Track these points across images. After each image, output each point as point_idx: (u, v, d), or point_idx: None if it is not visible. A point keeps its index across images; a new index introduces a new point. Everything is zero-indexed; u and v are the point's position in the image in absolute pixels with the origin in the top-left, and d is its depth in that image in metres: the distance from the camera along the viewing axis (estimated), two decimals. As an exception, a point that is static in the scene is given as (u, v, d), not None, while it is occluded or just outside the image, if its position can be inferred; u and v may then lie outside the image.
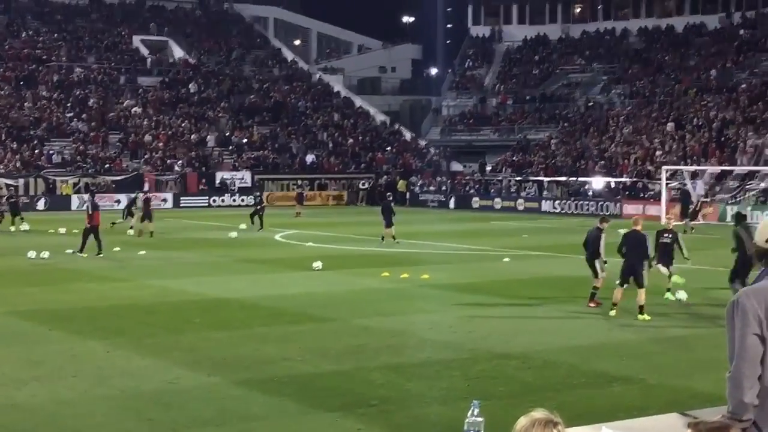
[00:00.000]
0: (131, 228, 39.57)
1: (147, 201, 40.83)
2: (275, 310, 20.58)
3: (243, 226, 42.55)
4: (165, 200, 62.93)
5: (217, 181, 66.28)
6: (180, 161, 67.03)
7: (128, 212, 41.28)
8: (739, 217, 22.28)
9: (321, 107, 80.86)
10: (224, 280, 25.77)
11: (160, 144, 68.63)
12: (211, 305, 21.28)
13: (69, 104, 71.30)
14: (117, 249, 32.97)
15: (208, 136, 71.49)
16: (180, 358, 15.55)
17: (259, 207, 44.05)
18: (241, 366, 14.94)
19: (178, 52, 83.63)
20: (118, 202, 43.35)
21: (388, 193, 48.56)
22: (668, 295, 21.57)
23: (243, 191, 65.37)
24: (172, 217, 51.95)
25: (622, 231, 21.12)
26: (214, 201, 64.08)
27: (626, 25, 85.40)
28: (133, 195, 43.80)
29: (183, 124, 72.26)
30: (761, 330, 5.15)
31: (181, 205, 62.60)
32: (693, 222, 40.88)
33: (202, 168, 67.35)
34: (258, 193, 52.77)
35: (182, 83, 78.53)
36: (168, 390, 13.43)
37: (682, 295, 21.08)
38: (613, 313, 19.36)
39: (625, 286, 19.40)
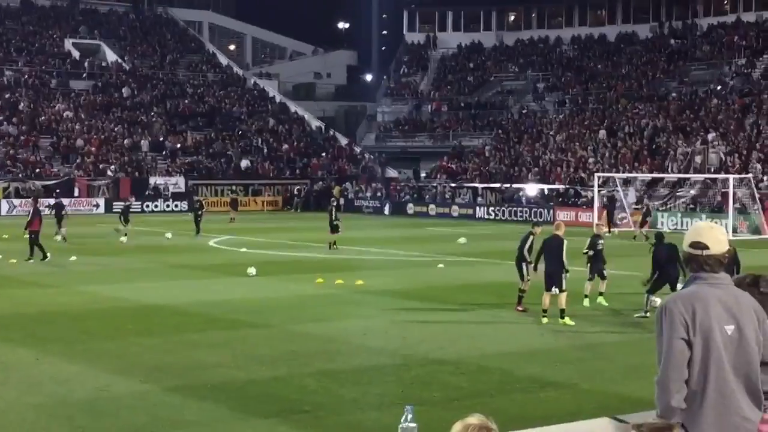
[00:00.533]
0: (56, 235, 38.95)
1: (58, 206, 40.25)
2: (209, 316, 20.45)
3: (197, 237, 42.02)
4: (97, 205, 62.28)
5: (150, 187, 65.68)
6: (113, 166, 66.35)
7: (125, 218, 40.61)
8: (659, 237, 22.35)
9: (256, 112, 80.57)
10: (157, 286, 25.53)
11: (93, 149, 67.87)
12: (143, 311, 21.09)
13: (-1, 108, 70.28)
14: (48, 255, 32.52)
15: (142, 141, 70.83)
16: (112, 364, 15.39)
17: (199, 212, 43.62)
18: (174, 372, 14.82)
19: (111, 56, 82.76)
20: (49, 207, 42.52)
21: (333, 199, 48.48)
22: (600, 299, 21.82)
23: (176, 197, 64.87)
24: (104, 222, 51.35)
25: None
26: (147, 206, 63.46)
27: (559, 33, 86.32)
28: (126, 203, 43.44)
29: (116, 129, 71.55)
30: (688, 335, 5.23)
31: (114, 210, 61.84)
32: (643, 228, 41.45)
33: (135, 173, 66.71)
34: (198, 198, 52.01)
35: (115, 87, 77.75)
36: (99, 397, 13.27)
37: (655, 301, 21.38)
38: (545, 320, 19.52)
39: (554, 290, 19.55)
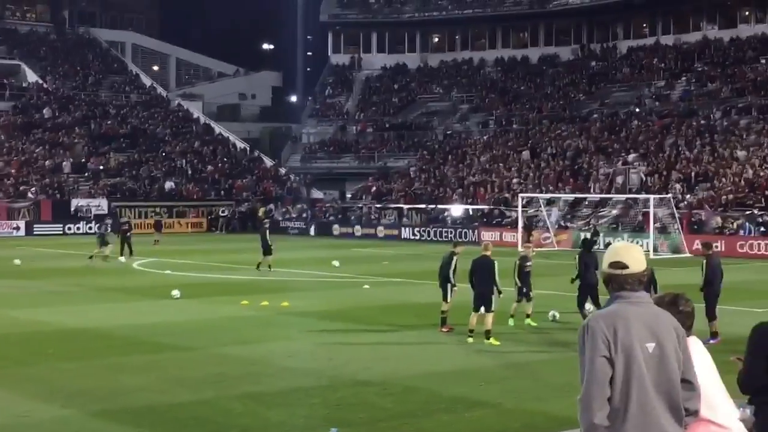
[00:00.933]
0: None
1: None
2: (132, 339, 20.20)
3: (122, 259, 41.48)
4: (18, 228, 61.27)
5: (72, 209, 64.77)
6: (33, 188, 65.34)
7: (102, 242, 40.87)
8: (586, 243, 22.88)
9: (180, 134, 80.00)
10: (79, 309, 25.17)
11: (13, 170, 66.79)
12: (65, 335, 20.76)
13: None
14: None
15: (64, 163, 69.88)
16: (32, 390, 15.11)
17: (128, 234, 43.16)
18: (96, 397, 14.60)
19: (31, 76, 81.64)
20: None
21: (265, 221, 48.31)
22: (528, 321, 21.94)
23: (99, 219, 64.02)
24: (24, 245, 50.56)
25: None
26: (69, 228, 62.57)
27: (483, 55, 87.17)
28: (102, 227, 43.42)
29: (37, 150, 70.51)
30: (610, 353, 5.29)
31: (35, 232, 60.98)
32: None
33: (57, 195, 65.75)
34: (124, 218, 50.96)
35: (36, 108, 76.68)
36: (19, 424, 13.02)
37: (554, 314, 21.97)
38: (470, 339, 19.60)
39: (481, 311, 19.65)
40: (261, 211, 66.26)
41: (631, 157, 59.52)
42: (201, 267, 38.34)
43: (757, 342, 6.14)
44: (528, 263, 22.27)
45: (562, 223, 52.79)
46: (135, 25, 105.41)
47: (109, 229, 42.42)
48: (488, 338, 19.47)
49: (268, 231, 37.30)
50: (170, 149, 76.57)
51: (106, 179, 69.70)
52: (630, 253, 5.55)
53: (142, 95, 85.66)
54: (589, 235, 26.40)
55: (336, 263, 38.48)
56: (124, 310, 25.14)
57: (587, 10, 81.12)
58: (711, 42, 74.05)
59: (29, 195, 64.65)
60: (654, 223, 46.03)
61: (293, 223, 66.52)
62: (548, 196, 55.13)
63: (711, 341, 17.85)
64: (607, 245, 34.78)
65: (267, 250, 36.29)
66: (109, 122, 77.89)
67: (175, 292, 27.42)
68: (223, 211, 69.28)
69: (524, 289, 22.02)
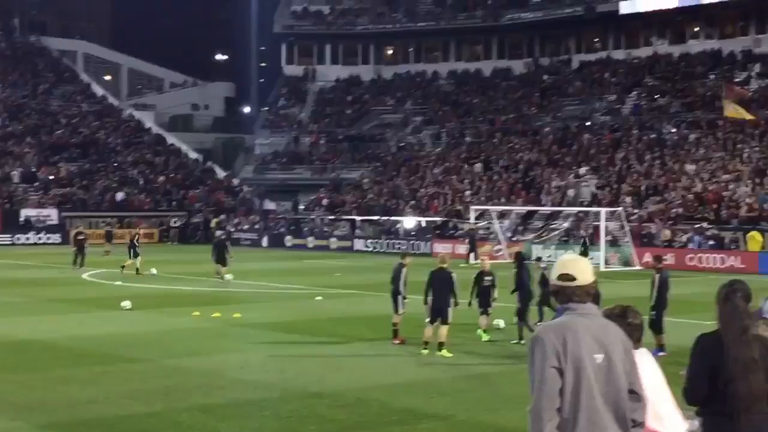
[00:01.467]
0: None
1: None
2: (81, 351, 20.00)
3: (75, 268, 41.15)
4: (-35, 238, 60.56)
5: (22, 219, 64.08)
6: (-18, 198, 64.65)
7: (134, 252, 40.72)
8: (519, 257, 23.08)
9: (132, 144, 79.47)
10: (27, 320, 24.89)
11: (-39, 180, 66.05)
12: (12, 347, 20.51)
13: None
14: None
15: (13, 172, 69.12)
16: (-21, 402, 14.91)
17: (84, 244, 42.79)
18: (45, 409, 14.43)
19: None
20: None
21: (220, 231, 48.16)
22: (479, 332, 21.93)
23: (49, 229, 63.41)
24: (-28, 255, 49.95)
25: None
26: (18, 239, 61.88)
27: (436, 67, 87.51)
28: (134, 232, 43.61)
29: (-15, 160, 69.76)
30: (560, 364, 5.34)
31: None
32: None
33: (6, 205, 65.02)
34: (80, 228, 50.28)
35: (-15, 117, 75.86)
36: (-34, 436, 12.85)
37: (499, 323, 22.00)
38: (425, 351, 19.62)
39: (435, 323, 19.68)
40: (213, 222, 66.01)
41: (582, 170, 59.99)
42: (152, 278, 38.08)
43: (699, 353, 6.23)
44: (487, 278, 22.05)
45: (513, 236, 53.03)
46: (87, 34, 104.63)
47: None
48: (440, 350, 19.50)
49: (228, 242, 37.40)
50: (122, 159, 76.04)
51: (56, 189, 69.04)
52: (578, 265, 5.62)
53: (93, 105, 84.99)
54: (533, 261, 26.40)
55: (229, 276, 37.06)
56: (73, 321, 24.90)
57: (539, 24, 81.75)
58: (661, 57, 74.89)
59: (-22, 205, 63.93)
60: (605, 236, 46.39)
61: (246, 235, 66.25)
62: (500, 208, 55.38)
63: (659, 353, 18.01)
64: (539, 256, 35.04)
65: (222, 261, 36.22)
66: (60, 132, 77.21)
67: (126, 303, 27.22)
68: (175, 222, 68.87)
69: (483, 304, 21.86)
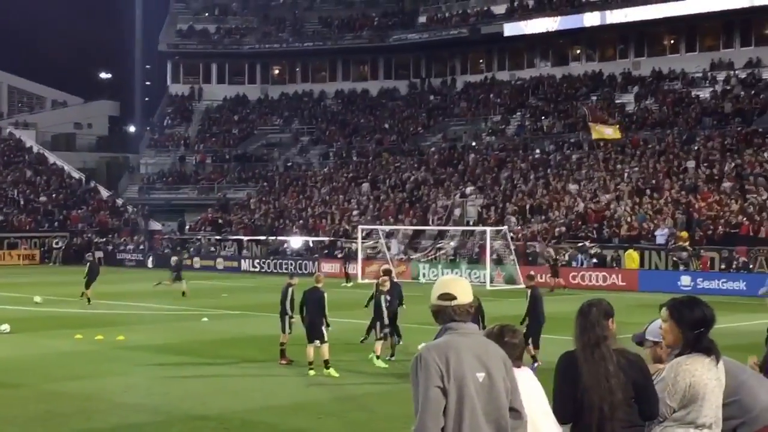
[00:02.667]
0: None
1: None
2: (-43, 376, 19.41)
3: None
4: None
5: None
6: None
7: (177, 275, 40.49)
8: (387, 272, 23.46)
9: (12, 163, 77.66)
10: None
11: None
12: None
13: None
14: None
15: None
16: None
17: None
18: None
19: None
20: None
21: (89, 254, 47.34)
22: (372, 356, 21.44)
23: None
24: None
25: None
26: None
27: (323, 87, 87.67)
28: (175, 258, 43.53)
29: None
30: (443, 383, 5.36)
31: None
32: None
33: None
34: None
35: None
36: None
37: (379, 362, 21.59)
38: (312, 372, 19.54)
39: (315, 342, 19.62)
40: (95, 244, 64.93)
41: (468, 189, 60.66)
42: (32, 300, 37.17)
43: (561, 371, 6.34)
44: (386, 297, 21.48)
45: (402, 256, 53.31)
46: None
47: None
48: (327, 368, 19.46)
49: (97, 262, 36.74)
50: (1, 179, 74.21)
51: (-69, 210, 67.05)
52: (458, 284, 5.66)
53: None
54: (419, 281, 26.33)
55: (38, 299, 36.22)
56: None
57: (426, 45, 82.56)
58: (544, 78, 76.31)
59: None
60: (490, 255, 46.96)
61: (130, 255, 65.24)
62: (388, 228, 55.64)
63: (534, 366, 18.29)
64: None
65: (91, 281, 35.75)
66: (-65, 150, 75.08)
67: (4, 327, 26.49)
68: (56, 243, 67.36)
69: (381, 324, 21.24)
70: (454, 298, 5.57)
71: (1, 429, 14.59)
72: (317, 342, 19.59)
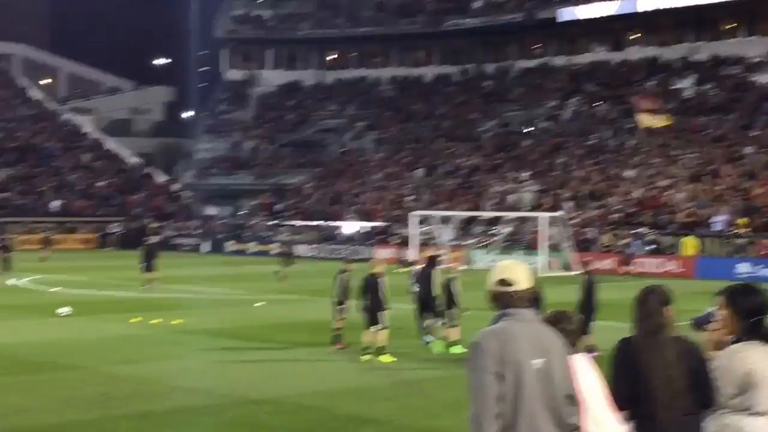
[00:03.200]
0: None
1: None
2: (16, 358, 19.69)
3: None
4: None
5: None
6: None
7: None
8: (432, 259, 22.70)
9: (70, 148, 78.59)
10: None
11: None
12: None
13: None
14: None
15: (-52, 177, 68.15)
16: None
17: (7, 253, 41.92)
18: (-23, 418, 14.18)
19: None
20: None
21: (149, 237, 47.59)
22: (438, 342, 21.34)
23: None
24: None
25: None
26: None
27: (378, 73, 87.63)
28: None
29: None
30: (499, 369, 5.33)
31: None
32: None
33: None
34: (6, 236, 49.14)
35: None
36: None
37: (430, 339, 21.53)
38: (365, 357, 19.56)
39: (373, 328, 19.65)
40: (151, 228, 65.46)
41: (523, 175, 60.36)
42: (91, 284, 37.65)
43: (619, 357, 6.33)
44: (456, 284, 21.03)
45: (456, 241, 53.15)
46: (24, 37, 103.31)
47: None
48: (380, 355, 19.46)
49: (153, 248, 36.80)
50: (60, 164, 75.16)
51: (-7, 194, 68.10)
52: (516, 270, 5.61)
53: (30, 109, 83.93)
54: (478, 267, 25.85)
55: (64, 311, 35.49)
56: (7, 328, 24.50)
57: (480, 30, 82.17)
58: (600, 64, 75.64)
59: None
60: (545, 241, 46.69)
61: (186, 240, 65.79)
62: (441, 213, 55.52)
63: (590, 354, 18.13)
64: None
65: (149, 267, 35.70)
66: (-5, 136, 76.19)
67: (63, 310, 26.83)
68: (114, 228, 68.10)
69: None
70: (512, 283, 5.52)
71: (60, 410, 14.78)
72: (375, 327, 19.60)
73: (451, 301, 20.89)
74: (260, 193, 73.81)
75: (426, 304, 21.58)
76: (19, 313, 27.83)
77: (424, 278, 21.81)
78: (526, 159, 63.56)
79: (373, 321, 19.66)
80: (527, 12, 78.58)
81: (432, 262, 22.34)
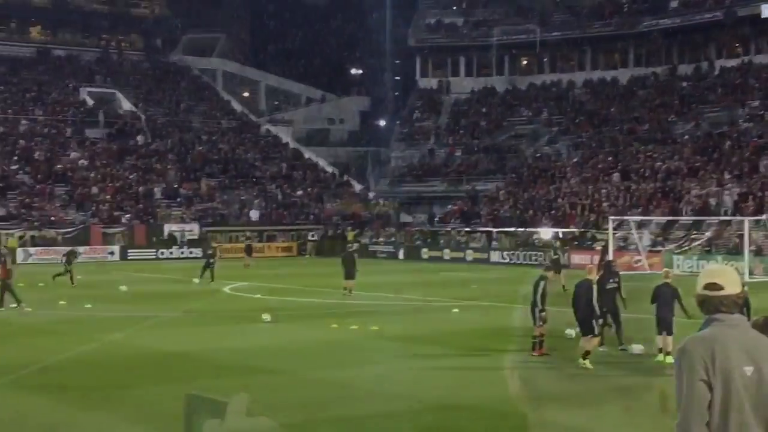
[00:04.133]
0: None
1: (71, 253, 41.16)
2: (223, 362, 20.37)
3: (196, 280, 42.20)
4: (112, 253, 62.42)
5: (165, 234, 65.80)
6: (128, 214, 66.58)
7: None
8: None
9: (269, 159, 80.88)
10: (172, 333, 25.47)
11: (107, 196, 68.15)
12: (157, 359, 21.00)
13: (15, 157, 70.66)
14: (62, 303, 32.57)
15: (156, 188, 71.11)
16: (129, 413, 15.31)
17: (211, 260, 43.30)
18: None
19: (125, 104, 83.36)
20: (65, 256, 41.97)
21: (350, 244, 48.40)
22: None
23: (191, 243, 64.89)
24: (118, 269, 51.45)
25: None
26: (162, 253, 63.54)
27: (572, 77, 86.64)
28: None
29: (130, 177, 71.87)
30: (708, 377, 5.18)
31: (129, 257, 62.04)
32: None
33: (150, 220, 66.86)
34: (211, 246, 51.03)
35: (130, 135, 78.21)
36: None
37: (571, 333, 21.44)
38: (586, 362, 19.14)
39: (567, 333, 19.41)
40: (350, 235, 66.56)
41: (724, 178, 58.50)
42: (291, 291, 38.60)
43: None
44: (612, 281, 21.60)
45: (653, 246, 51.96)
46: (226, 52, 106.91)
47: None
48: (584, 359, 19.13)
49: (355, 255, 37.43)
50: (260, 174, 77.44)
51: (197, 204, 70.71)
52: (725, 274, 5.44)
53: (232, 121, 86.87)
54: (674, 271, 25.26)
55: (123, 288, 39.01)
56: (215, 333, 25.37)
57: (678, 30, 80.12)
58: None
59: (123, 220, 65.87)
60: (749, 246, 45.11)
61: (382, 247, 66.65)
62: (639, 218, 54.40)
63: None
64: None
65: (350, 274, 36.18)
66: (200, 148, 79.09)
67: (266, 316, 27.59)
68: (312, 236, 69.66)
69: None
70: (721, 288, 5.36)
71: (265, 414, 15.18)
72: (570, 332, 19.38)
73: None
74: (454, 200, 74.05)
75: (611, 313, 21.33)
76: (226, 319, 28.80)
77: (602, 286, 21.30)
78: (728, 161, 61.54)
79: (587, 330, 19.35)
80: (727, 9, 76.08)
81: (608, 269, 22.12)
